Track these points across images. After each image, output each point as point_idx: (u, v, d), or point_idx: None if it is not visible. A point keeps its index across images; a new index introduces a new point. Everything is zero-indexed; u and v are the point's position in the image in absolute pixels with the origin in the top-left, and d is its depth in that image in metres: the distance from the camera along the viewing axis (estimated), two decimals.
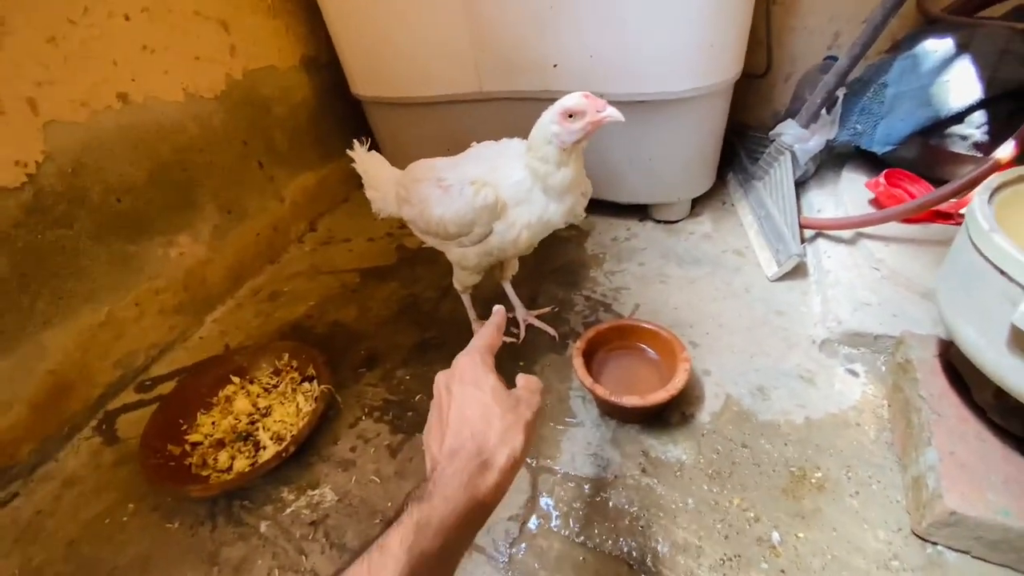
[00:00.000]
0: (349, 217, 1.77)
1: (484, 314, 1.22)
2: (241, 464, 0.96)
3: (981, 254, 0.67)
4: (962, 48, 1.09)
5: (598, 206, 1.53)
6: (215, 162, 1.37)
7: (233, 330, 1.33)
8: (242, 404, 1.06)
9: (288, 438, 0.98)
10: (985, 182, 0.75)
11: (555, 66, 1.23)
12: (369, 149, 1.16)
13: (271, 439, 0.99)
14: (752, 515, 0.79)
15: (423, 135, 1.54)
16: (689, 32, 1.11)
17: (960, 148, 1.13)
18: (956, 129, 1.12)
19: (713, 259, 1.33)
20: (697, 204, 1.53)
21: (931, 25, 1.25)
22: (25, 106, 1.00)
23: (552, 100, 1.26)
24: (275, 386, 1.11)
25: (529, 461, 0.91)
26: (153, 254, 1.24)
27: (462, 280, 1.09)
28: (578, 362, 0.94)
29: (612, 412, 0.95)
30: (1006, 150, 0.97)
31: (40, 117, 1.02)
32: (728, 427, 0.92)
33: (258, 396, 1.09)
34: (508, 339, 1.16)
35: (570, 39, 1.18)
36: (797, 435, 0.89)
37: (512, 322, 1.20)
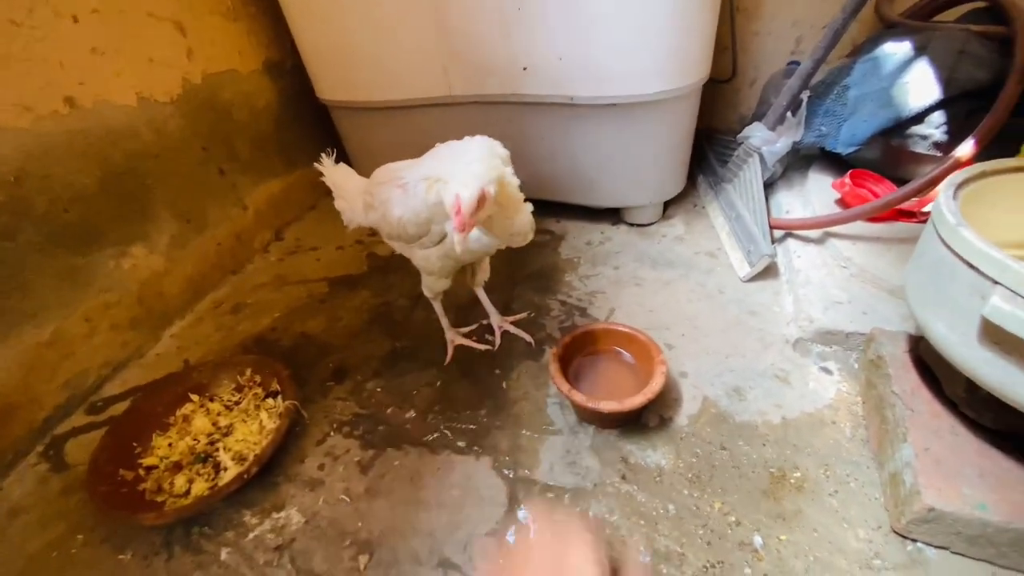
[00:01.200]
0: (317, 225, 1.72)
1: (458, 321, 1.20)
2: (199, 487, 0.90)
3: (949, 248, 0.67)
4: (920, 50, 1.13)
5: (571, 210, 1.52)
6: (172, 169, 1.30)
7: (193, 345, 1.27)
8: (201, 423, 1.00)
9: (251, 458, 0.93)
10: (948, 178, 0.76)
11: (524, 69, 1.22)
12: (337, 158, 1.14)
13: (232, 460, 0.93)
14: (733, 519, 0.77)
15: (392, 140, 1.51)
16: (657, 35, 1.11)
17: (921, 148, 1.16)
18: (916, 129, 1.15)
19: (686, 261, 1.33)
20: (669, 207, 1.54)
21: (889, 29, 1.29)
22: None
23: (522, 104, 1.25)
24: (237, 403, 1.05)
25: (506, 472, 0.88)
26: (104, 266, 1.17)
27: (430, 286, 1.06)
28: (554, 368, 0.92)
29: (590, 418, 0.92)
30: (966, 148, 1.00)
31: None
32: (706, 429, 0.91)
33: (218, 414, 1.03)
34: (483, 346, 1.14)
35: (539, 41, 1.17)
36: (774, 435, 0.89)
37: (487, 329, 1.18)
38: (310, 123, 1.74)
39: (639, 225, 1.49)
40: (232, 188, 1.48)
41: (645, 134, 1.28)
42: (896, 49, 1.16)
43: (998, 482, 0.70)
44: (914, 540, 0.72)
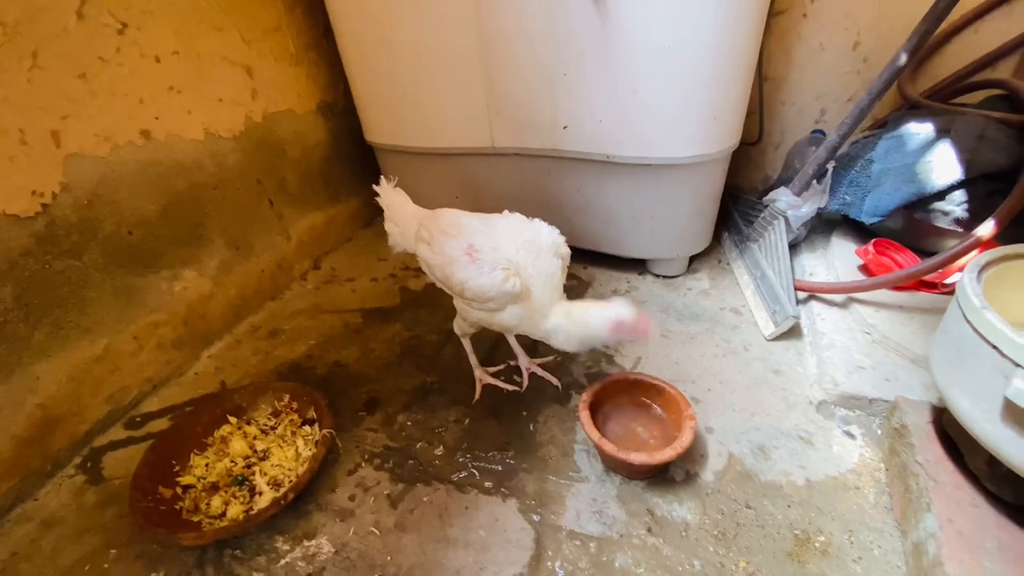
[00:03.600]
0: (353, 256, 1.79)
1: (486, 360, 1.24)
2: (235, 510, 0.93)
3: (974, 329, 0.71)
4: (943, 132, 1.19)
5: (599, 258, 1.57)
6: (228, 199, 1.39)
7: (229, 367, 1.32)
8: (238, 446, 1.04)
9: (286, 484, 0.96)
10: (973, 261, 0.80)
11: (565, 128, 1.30)
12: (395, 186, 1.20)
13: (268, 484, 0.97)
14: None
15: (433, 183, 1.59)
16: (694, 104, 1.19)
17: (942, 223, 1.21)
18: (938, 205, 1.20)
19: (712, 316, 1.37)
20: (695, 261, 1.59)
21: (911, 110, 1.36)
22: (48, 138, 1.02)
23: (561, 158, 1.33)
24: (273, 428, 1.09)
25: (533, 516, 0.90)
26: (157, 287, 1.24)
27: (462, 327, 1.11)
28: (584, 416, 0.95)
29: (618, 468, 0.95)
30: (987, 228, 1.04)
31: (62, 149, 1.04)
32: (731, 487, 0.93)
33: (255, 438, 1.07)
34: (511, 387, 1.17)
35: (581, 104, 1.25)
36: (799, 497, 0.90)
37: (515, 370, 1.21)
38: (355, 161, 1.84)
39: (665, 277, 1.54)
40: (279, 219, 1.56)
41: (677, 192, 1.35)
42: (919, 129, 1.22)
43: (1016, 556, 0.71)
44: None
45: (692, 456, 0.97)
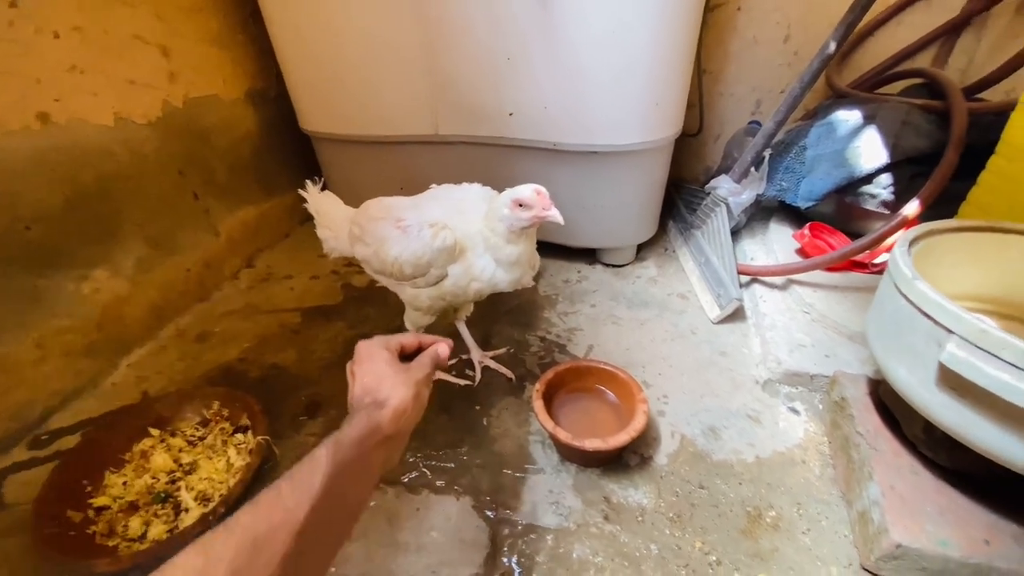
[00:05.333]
0: (291, 253, 1.69)
1: None
2: (157, 530, 0.84)
3: (907, 300, 0.73)
4: (869, 119, 1.25)
5: (550, 248, 1.56)
6: (145, 192, 1.26)
7: (153, 375, 1.20)
8: (161, 460, 0.94)
9: (216, 498, 0.88)
10: (903, 236, 0.84)
11: (511, 115, 1.27)
12: (322, 188, 1.13)
13: (196, 500, 0.88)
14: (714, 558, 0.78)
15: (375, 174, 1.52)
16: (637, 90, 1.19)
17: (870, 205, 1.27)
18: (867, 189, 1.26)
19: (660, 302, 1.38)
20: (642, 249, 1.60)
21: (840, 98, 1.43)
22: None
23: (507, 146, 1.30)
24: (202, 438, 1.00)
25: (488, 513, 0.87)
26: (63, 289, 1.11)
27: (414, 320, 1.06)
28: (538, 405, 0.92)
29: (573, 456, 0.93)
30: (911, 208, 1.10)
31: None
32: (685, 468, 0.93)
33: (181, 451, 0.97)
34: (464, 382, 1.13)
35: (526, 90, 1.22)
36: (750, 474, 0.91)
37: (467, 364, 1.18)
38: (290, 152, 1.73)
39: (614, 266, 1.55)
40: (205, 214, 1.45)
41: (623, 181, 1.35)
42: (848, 116, 1.28)
43: (956, 519, 0.74)
44: None
45: (646, 440, 0.97)
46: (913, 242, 0.83)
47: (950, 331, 0.65)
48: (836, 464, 0.93)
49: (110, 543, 0.82)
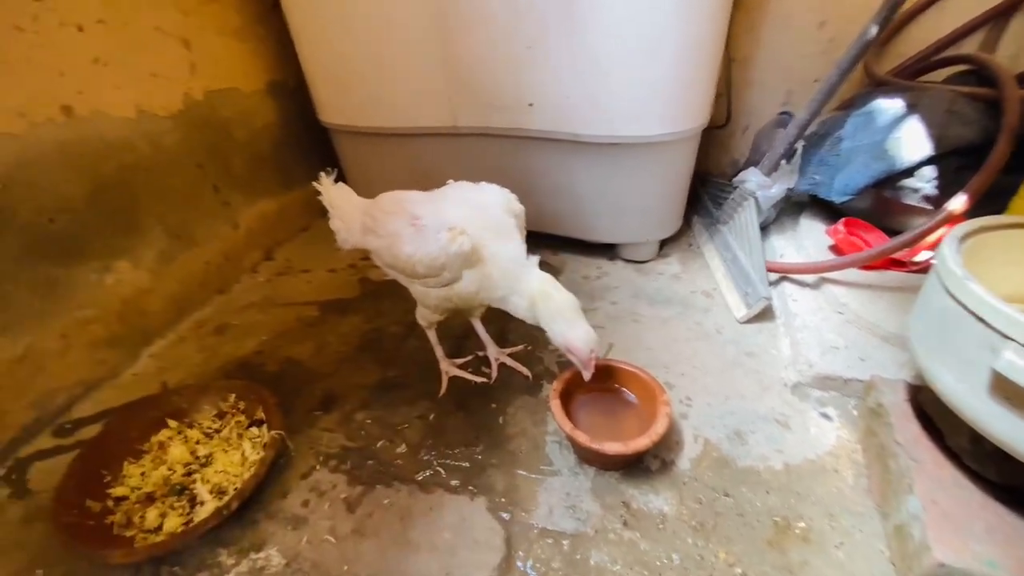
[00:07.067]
0: (309, 246, 1.69)
1: (453, 351, 1.17)
2: (173, 523, 0.84)
3: (957, 301, 0.68)
4: (911, 108, 1.17)
5: (568, 243, 1.52)
6: (165, 184, 1.27)
7: (172, 367, 1.21)
8: (178, 452, 0.95)
9: (231, 491, 0.87)
10: (951, 232, 0.78)
11: (530, 105, 1.24)
12: (336, 179, 1.12)
13: (211, 493, 0.88)
14: (740, 571, 0.75)
15: (392, 166, 1.51)
16: (663, 80, 1.14)
17: (912, 200, 1.20)
18: (908, 182, 1.18)
19: (683, 299, 1.33)
20: (665, 245, 1.55)
21: (879, 87, 1.35)
22: None
23: (527, 138, 1.27)
24: (218, 431, 1.00)
25: (503, 514, 0.84)
26: (85, 280, 1.12)
27: (425, 316, 1.04)
28: (555, 405, 0.89)
29: (591, 459, 0.90)
30: (958, 203, 1.03)
31: None
32: (708, 474, 0.89)
33: (197, 443, 0.97)
34: (479, 379, 1.11)
35: (547, 80, 1.19)
36: (777, 482, 0.87)
37: (483, 360, 1.15)
38: (309, 144, 1.73)
39: (636, 261, 1.50)
40: (225, 206, 1.45)
41: (646, 173, 1.30)
42: (888, 105, 1.21)
43: (1005, 538, 0.69)
44: None
45: (667, 443, 0.93)
46: (963, 239, 0.77)
47: (1007, 337, 0.60)
48: (871, 474, 0.87)
49: (127, 533, 0.83)
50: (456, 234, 0.83)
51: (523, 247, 0.91)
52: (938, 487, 0.75)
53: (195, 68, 1.32)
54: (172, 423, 1.00)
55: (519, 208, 0.94)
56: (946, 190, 1.14)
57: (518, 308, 0.90)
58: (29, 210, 1.01)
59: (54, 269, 1.06)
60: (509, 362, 1.13)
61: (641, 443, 0.81)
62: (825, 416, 0.99)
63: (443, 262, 0.85)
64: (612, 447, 0.81)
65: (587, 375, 0.89)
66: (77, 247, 1.10)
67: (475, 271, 0.87)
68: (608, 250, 1.54)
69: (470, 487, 0.89)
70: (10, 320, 1.00)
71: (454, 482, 0.90)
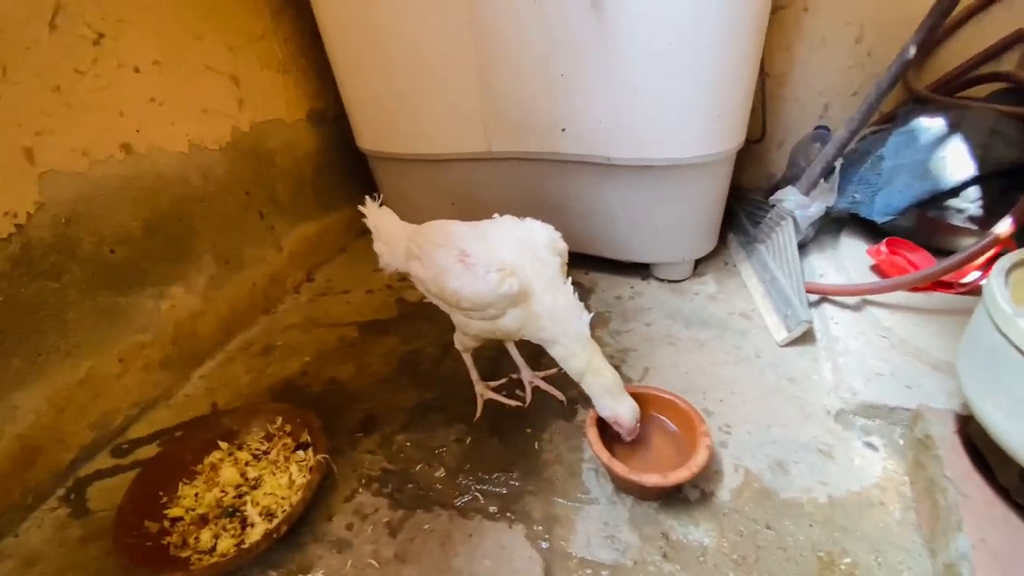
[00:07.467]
0: (347, 267, 1.74)
1: (487, 374, 1.19)
2: (226, 544, 0.87)
3: (1006, 338, 0.66)
4: (954, 127, 1.15)
5: (601, 263, 1.53)
6: (215, 212, 1.34)
7: (221, 387, 1.26)
8: (229, 474, 0.99)
9: (279, 514, 0.91)
10: (998, 264, 0.76)
11: (564, 130, 1.25)
12: (380, 204, 1.15)
13: (260, 515, 0.92)
14: None
15: (429, 190, 1.54)
16: (697, 104, 1.14)
17: (956, 220, 1.16)
18: (953, 202, 1.15)
19: (720, 321, 1.32)
20: (700, 264, 1.54)
21: (919, 104, 1.32)
22: (21, 156, 0.97)
23: (560, 162, 1.28)
24: (266, 452, 1.04)
25: (541, 543, 0.85)
26: (143, 306, 1.19)
27: (463, 342, 1.06)
28: (592, 433, 0.90)
29: (629, 489, 0.90)
30: (1004, 226, 0.99)
31: (37, 166, 0.99)
32: (749, 505, 0.88)
33: (247, 464, 1.02)
34: (514, 403, 1.12)
35: (580, 105, 1.20)
36: (821, 515, 0.85)
37: (517, 383, 1.17)
38: (347, 169, 1.79)
39: (670, 281, 1.49)
40: (270, 230, 1.51)
41: (681, 194, 1.30)
42: (931, 124, 1.18)
43: None
44: None
45: (707, 473, 0.93)
46: (1010, 271, 0.75)
47: None
48: (919, 509, 0.85)
49: (183, 554, 0.87)
50: (506, 275, 0.84)
51: (573, 293, 0.92)
52: (988, 524, 0.73)
53: (243, 102, 1.39)
54: (223, 445, 1.04)
55: (563, 247, 0.95)
56: (990, 211, 1.10)
57: (563, 360, 0.93)
58: (91, 242, 1.08)
59: (114, 297, 1.13)
60: (543, 385, 1.14)
61: (681, 475, 0.81)
62: (870, 446, 0.96)
63: (490, 300, 0.86)
64: (651, 479, 0.81)
65: (629, 439, 0.93)
66: (135, 275, 1.17)
67: (519, 310, 0.88)
68: (641, 269, 1.54)
69: (508, 513, 0.91)
70: (73, 345, 1.06)
71: (492, 508, 0.92)
